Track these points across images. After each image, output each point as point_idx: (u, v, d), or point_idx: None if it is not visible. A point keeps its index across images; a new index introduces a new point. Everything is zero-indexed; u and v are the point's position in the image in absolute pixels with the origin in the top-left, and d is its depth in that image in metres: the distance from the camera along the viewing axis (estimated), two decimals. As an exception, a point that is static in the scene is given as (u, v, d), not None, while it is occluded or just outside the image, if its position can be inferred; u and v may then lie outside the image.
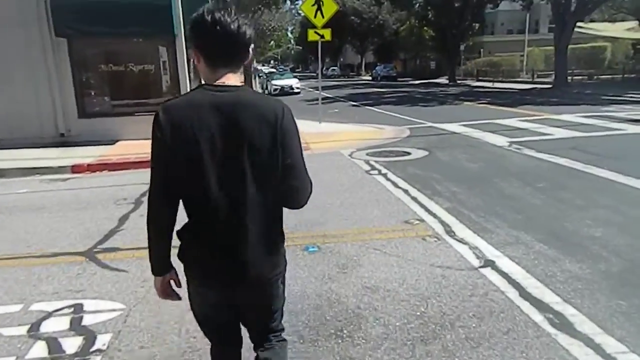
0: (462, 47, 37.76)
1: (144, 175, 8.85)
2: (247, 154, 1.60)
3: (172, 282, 1.83)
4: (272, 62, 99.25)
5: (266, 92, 27.74)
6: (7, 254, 4.71)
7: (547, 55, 38.89)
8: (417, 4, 40.87)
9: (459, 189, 6.42)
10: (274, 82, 32.09)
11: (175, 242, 1.75)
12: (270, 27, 45.77)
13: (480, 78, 38.77)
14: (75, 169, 9.13)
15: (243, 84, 1.72)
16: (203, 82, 1.70)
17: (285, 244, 1.84)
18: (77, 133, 11.43)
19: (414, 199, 6.02)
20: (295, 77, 35.09)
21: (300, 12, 51.58)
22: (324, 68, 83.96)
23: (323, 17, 13.66)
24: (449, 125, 12.58)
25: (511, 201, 5.78)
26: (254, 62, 24.91)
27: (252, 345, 1.98)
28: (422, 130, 12.13)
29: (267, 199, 1.67)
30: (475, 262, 4.06)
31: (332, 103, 23.64)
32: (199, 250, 1.72)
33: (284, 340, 2.01)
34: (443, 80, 44.21)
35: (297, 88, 31.66)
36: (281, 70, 51.37)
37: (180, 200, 1.71)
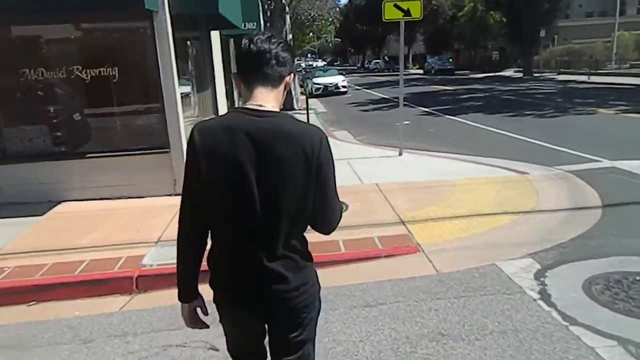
0: (542, 34, 31.09)
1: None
2: (279, 183, 1.55)
3: (199, 309, 1.79)
4: (309, 55, 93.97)
5: (307, 90, 22.31)
6: None
7: (641, 41, 31.97)
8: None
9: None
10: (316, 80, 26.47)
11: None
12: (309, 17, 40.56)
13: (562, 70, 32.10)
14: None
15: (281, 105, 1.68)
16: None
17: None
18: (-11, 189, 6.42)
19: None
20: (340, 73, 29.49)
21: (339, 1, 46.03)
22: (366, 61, 77.69)
23: (410, -20, 8.16)
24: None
25: None
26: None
27: None
28: (616, 186, 6.37)
29: (296, 224, 1.62)
30: None
31: (392, 108, 18.00)
32: (224, 274, 1.68)
33: None
34: (512, 73, 37.78)
35: (344, 87, 26.12)
36: (322, 65, 46.02)
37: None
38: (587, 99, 16.92)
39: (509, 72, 38.33)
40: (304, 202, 1.59)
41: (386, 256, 4.50)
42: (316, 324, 1.81)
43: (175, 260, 1.73)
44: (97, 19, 6.37)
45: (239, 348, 1.85)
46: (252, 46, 1.58)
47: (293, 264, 1.64)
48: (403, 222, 5.26)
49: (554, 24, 35.52)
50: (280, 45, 1.62)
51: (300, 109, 18.44)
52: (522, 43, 32.77)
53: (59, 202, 6.46)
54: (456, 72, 43.18)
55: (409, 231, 5.00)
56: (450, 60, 45.53)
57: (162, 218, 5.65)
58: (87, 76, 6.35)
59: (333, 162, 1.64)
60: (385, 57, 63.88)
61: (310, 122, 14.46)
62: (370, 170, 7.73)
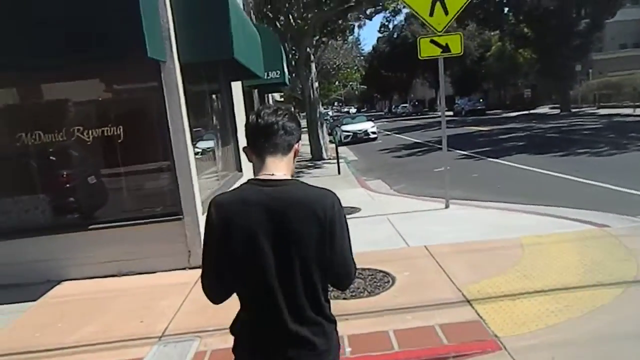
0: (578, 68, 29.87)
1: None
2: (295, 250, 1.59)
3: None
4: (336, 103, 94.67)
5: (336, 139, 21.50)
6: None
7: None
8: (511, 21, 33.48)
9: None
10: (344, 127, 25.79)
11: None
12: (334, 66, 40.63)
13: (603, 104, 30.57)
14: None
15: (293, 172, 1.75)
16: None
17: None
18: (-24, 269, 5.61)
19: None
20: (369, 119, 28.77)
21: (362, 50, 45.81)
22: (393, 106, 77.36)
23: (447, 13, 7.35)
24: None
25: None
26: (319, 105, 19.04)
27: None
28: None
29: (314, 287, 1.64)
30: None
31: (427, 152, 17.03)
32: (249, 340, 1.70)
33: None
34: (547, 110, 36.38)
35: (374, 133, 25.31)
36: (352, 112, 45.82)
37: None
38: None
39: (543, 109, 36.93)
40: (320, 264, 1.61)
41: (455, 357, 3.37)
42: None
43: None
44: (97, 74, 5.70)
45: None
46: (259, 120, 1.67)
47: (319, 328, 1.65)
48: (468, 301, 4.13)
49: (588, 57, 34.33)
50: (286, 116, 1.70)
51: (329, 158, 17.63)
52: (557, 79, 31.50)
53: (59, 282, 5.61)
54: (487, 112, 42.06)
55: (479, 315, 3.86)
56: (482, 100, 44.53)
57: (172, 300, 4.71)
58: (89, 138, 5.61)
59: (346, 221, 1.68)
60: (415, 102, 63.71)
61: (341, 171, 13.52)
62: (415, 229, 6.65)
